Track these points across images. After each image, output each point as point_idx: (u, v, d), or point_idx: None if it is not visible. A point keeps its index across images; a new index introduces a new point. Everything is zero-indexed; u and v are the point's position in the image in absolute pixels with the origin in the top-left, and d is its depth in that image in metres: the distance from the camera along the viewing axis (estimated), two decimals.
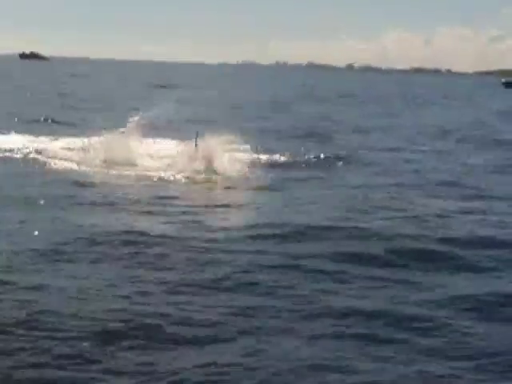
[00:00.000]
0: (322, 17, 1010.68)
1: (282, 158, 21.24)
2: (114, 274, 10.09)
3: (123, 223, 13.05)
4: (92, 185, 17.11)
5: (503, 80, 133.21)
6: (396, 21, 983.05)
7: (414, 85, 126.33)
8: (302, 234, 12.69)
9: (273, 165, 20.64)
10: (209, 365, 7.40)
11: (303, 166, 20.56)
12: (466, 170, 21.49)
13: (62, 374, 7.11)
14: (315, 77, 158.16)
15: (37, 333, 7.89)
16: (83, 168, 19.23)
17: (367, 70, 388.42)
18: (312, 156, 21.74)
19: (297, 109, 45.54)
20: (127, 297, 9.20)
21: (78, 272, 10.15)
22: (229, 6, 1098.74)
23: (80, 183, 17.16)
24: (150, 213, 14.26)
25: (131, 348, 7.71)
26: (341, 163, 21.50)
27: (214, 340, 8.06)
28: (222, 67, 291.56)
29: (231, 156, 19.83)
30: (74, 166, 19.43)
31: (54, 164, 19.61)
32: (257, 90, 69.99)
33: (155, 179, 17.96)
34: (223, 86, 79.85)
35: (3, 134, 25.14)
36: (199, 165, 18.89)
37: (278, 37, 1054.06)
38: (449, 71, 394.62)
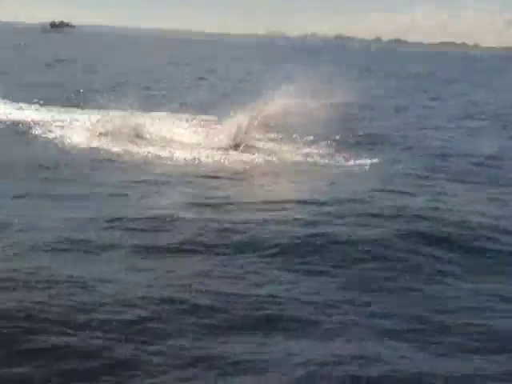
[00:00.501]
0: None
1: (313, 138, 20.83)
2: (147, 261, 10.02)
3: (154, 206, 12.91)
4: (123, 163, 16.95)
5: None
6: None
7: (441, 60, 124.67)
8: (339, 213, 12.69)
9: (305, 145, 20.24)
10: (231, 350, 7.51)
11: (330, 146, 20.15)
12: (500, 151, 21.20)
13: (102, 355, 7.25)
14: (342, 50, 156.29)
15: (75, 320, 7.94)
16: (108, 145, 18.89)
17: (395, 43, 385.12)
18: (338, 136, 21.26)
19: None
20: (162, 284, 9.14)
21: (114, 259, 10.02)
22: None
23: (105, 161, 17.05)
24: (182, 193, 14.09)
25: (168, 334, 7.78)
26: (375, 144, 21.20)
27: (244, 327, 8.09)
28: (250, 40, 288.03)
29: (263, 135, 19.99)
30: (99, 144, 19.03)
31: (80, 140, 19.27)
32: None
33: (186, 158, 17.76)
34: (251, 60, 79.21)
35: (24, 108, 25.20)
36: (232, 145, 18.91)
37: (306, 9, 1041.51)
38: (476, 46, 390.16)
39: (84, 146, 18.62)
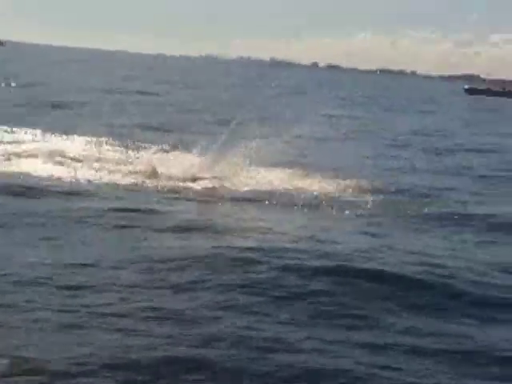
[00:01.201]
0: (286, 16, 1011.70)
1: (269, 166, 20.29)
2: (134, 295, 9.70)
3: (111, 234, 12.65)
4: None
5: (466, 87, 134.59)
6: (363, 22, 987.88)
7: (380, 86, 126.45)
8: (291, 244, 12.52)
9: (262, 174, 19.74)
10: None
11: (284, 176, 19.66)
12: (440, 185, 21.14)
13: None
14: (280, 74, 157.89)
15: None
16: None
17: (332, 68, 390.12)
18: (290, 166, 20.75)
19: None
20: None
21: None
22: (193, 2, 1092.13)
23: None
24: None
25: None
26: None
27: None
28: (185, 60, 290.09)
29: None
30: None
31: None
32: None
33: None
34: (191, 79, 79.20)
35: None
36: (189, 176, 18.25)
37: (241, 34, 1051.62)
38: (413, 73, 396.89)
39: None
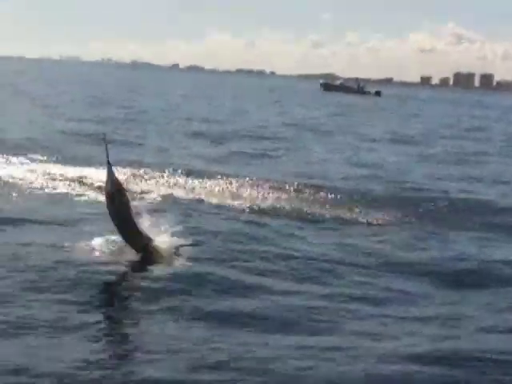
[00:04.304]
0: (145, 18, 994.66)
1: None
2: None
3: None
4: None
5: (321, 81, 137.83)
6: (219, 24, 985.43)
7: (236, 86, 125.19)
8: None
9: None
10: None
11: None
12: None
13: None
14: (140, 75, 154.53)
15: None
16: None
17: (192, 69, 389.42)
18: None
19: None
20: None
21: None
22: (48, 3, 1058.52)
23: None
24: None
25: None
26: None
27: None
28: (45, 62, 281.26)
29: None
30: None
31: None
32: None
33: None
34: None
35: None
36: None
37: (101, 36, 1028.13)
38: (272, 73, 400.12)
39: None
